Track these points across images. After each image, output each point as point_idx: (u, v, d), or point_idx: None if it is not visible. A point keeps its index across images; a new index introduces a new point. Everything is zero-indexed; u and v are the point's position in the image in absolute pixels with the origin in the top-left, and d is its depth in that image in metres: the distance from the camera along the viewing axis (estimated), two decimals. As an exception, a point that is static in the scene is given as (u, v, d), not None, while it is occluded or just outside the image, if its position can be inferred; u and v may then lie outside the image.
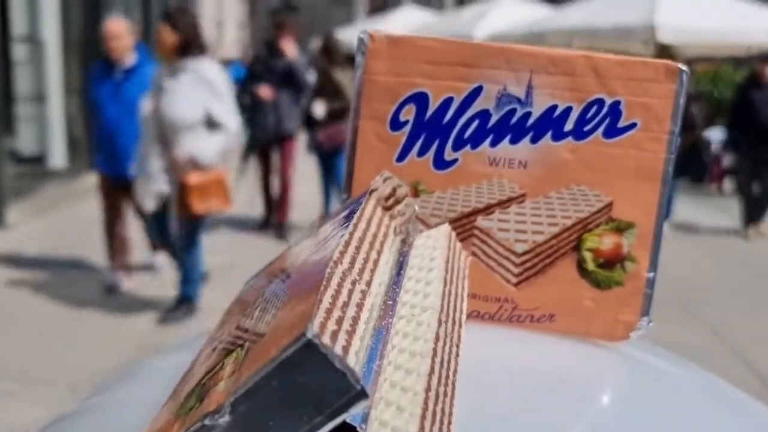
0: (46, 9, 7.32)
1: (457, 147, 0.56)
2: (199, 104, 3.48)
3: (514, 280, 0.57)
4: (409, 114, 0.56)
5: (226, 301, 0.54)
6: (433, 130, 0.56)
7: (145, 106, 3.64)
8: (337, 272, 0.33)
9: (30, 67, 7.43)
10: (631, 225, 0.56)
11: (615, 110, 0.55)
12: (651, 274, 0.57)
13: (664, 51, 8.87)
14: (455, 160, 0.56)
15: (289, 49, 5.52)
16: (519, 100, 0.55)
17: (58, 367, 3.39)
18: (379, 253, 0.41)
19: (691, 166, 7.50)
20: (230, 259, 4.69)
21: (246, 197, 6.41)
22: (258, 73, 5.70)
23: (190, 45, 3.52)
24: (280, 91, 5.53)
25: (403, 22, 18.12)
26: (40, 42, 7.37)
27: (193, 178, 3.49)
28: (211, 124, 3.56)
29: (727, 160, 8.27)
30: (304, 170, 6.40)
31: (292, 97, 5.61)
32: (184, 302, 3.94)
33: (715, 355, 3.93)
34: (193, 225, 3.73)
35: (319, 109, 5.61)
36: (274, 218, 5.91)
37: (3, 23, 7.19)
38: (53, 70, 7.45)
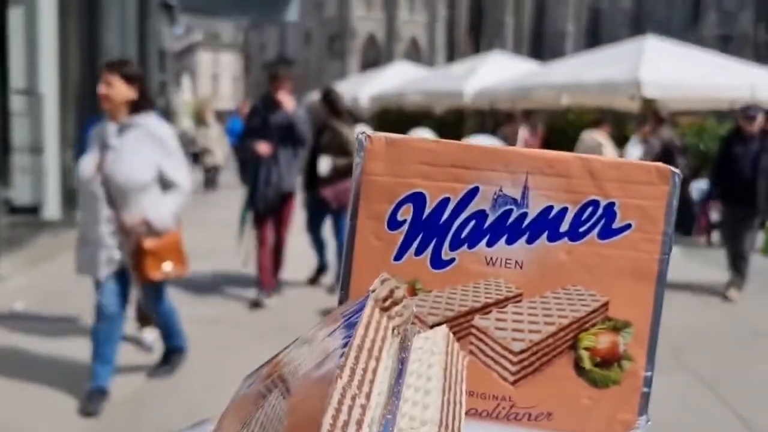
0: (45, 63, 7.48)
1: (454, 246, 0.57)
2: (152, 163, 3.24)
3: (511, 378, 0.57)
4: (406, 213, 0.57)
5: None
6: (430, 229, 0.57)
7: (86, 167, 3.27)
8: (338, 389, 0.33)
9: (27, 119, 7.55)
10: (628, 324, 0.56)
11: (610, 212, 0.56)
12: (648, 373, 0.57)
13: (650, 105, 9.10)
14: (452, 260, 0.57)
15: (288, 102, 5.29)
16: (515, 201, 0.56)
17: (47, 421, 3.35)
18: (378, 360, 0.41)
19: (679, 219, 7.61)
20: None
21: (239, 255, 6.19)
22: (255, 127, 5.40)
23: (144, 100, 3.29)
24: (279, 146, 5.30)
25: (395, 77, 18.50)
26: (38, 95, 7.51)
27: (149, 243, 3.26)
28: (163, 183, 3.32)
29: (715, 213, 8.29)
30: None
31: (291, 152, 5.38)
32: (173, 354, 3.93)
33: (705, 405, 3.94)
34: (155, 288, 3.58)
35: (325, 165, 5.48)
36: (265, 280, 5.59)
37: (3, 76, 7.34)
38: (50, 123, 7.56)
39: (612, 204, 0.55)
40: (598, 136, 7.77)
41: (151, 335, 4.37)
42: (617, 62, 10.71)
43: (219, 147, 13.51)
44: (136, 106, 3.24)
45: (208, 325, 4.93)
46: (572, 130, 10.65)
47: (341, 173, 5.47)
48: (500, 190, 0.56)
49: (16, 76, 7.54)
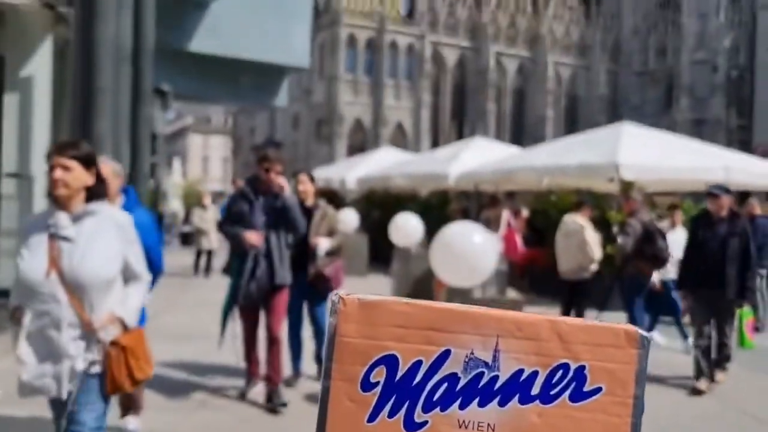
0: (37, 147, 7.64)
1: (427, 409, 0.57)
2: (117, 254, 2.85)
3: None
4: (379, 375, 0.58)
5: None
6: (403, 391, 0.57)
7: (35, 266, 2.73)
8: None
9: (17, 202, 7.63)
10: None
11: (580, 375, 0.57)
12: None
13: (628, 187, 9.36)
14: (425, 422, 0.57)
15: (281, 184, 4.73)
16: (486, 364, 0.57)
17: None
18: None
19: (663, 302, 7.66)
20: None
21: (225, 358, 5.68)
22: (242, 213, 4.76)
23: (101, 185, 2.91)
24: (271, 235, 4.73)
25: (381, 160, 18.91)
26: (29, 178, 7.62)
27: (123, 341, 2.80)
28: (125, 275, 2.95)
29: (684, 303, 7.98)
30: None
31: (284, 241, 4.82)
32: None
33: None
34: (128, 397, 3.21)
35: (324, 245, 5.32)
36: (255, 382, 5.10)
37: (-5, 160, 7.46)
38: (39, 206, 7.63)
39: (582, 367, 0.57)
40: (579, 219, 7.95)
41: (134, 423, 4.24)
42: (596, 146, 11.07)
43: (215, 230, 13.48)
44: (93, 193, 2.87)
45: (194, 411, 4.87)
46: (555, 211, 10.88)
47: (334, 253, 5.46)
48: (472, 353, 0.57)
49: (8, 160, 7.67)
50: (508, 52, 64.19)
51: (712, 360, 5.88)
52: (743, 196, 9.47)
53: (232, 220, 4.83)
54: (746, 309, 6.14)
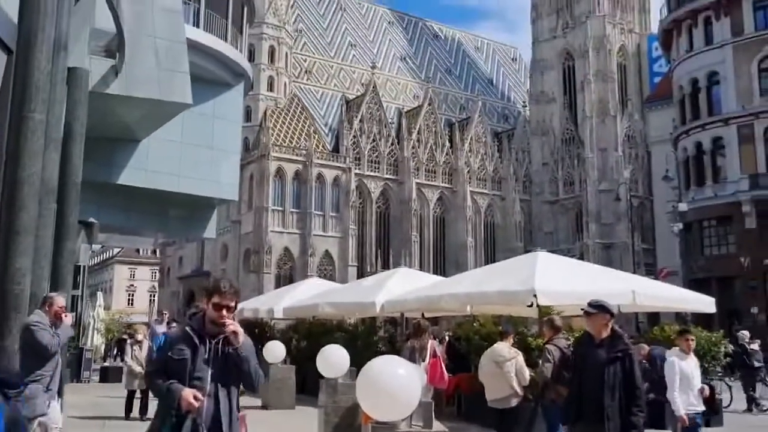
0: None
1: None
2: None
3: None
4: None
5: None
6: None
7: None
8: None
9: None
10: None
11: None
12: None
13: (545, 311, 9.82)
14: None
15: (236, 330, 3.63)
16: None
17: None
18: None
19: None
20: None
21: None
22: (182, 362, 3.59)
23: None
24: (219, 392, 3.61)
25: (308, 290, 19.01)
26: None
27: None
28: None
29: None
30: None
31: (236, 401, 3.72)
32: None
33: None
34: None
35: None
36: None
37: None
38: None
39: None
40: (503, 347, 8.26)
41: None
42: (514, 274, 11.64)
43: None
44: None
45: None
46: (478, 337, 11.20)
47: None
48: None
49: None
50: (428, 184, 67.10)
51: None
52: (653, 318, 10.03)
53: (166, 371, 3.60)
54: None
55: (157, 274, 76.06)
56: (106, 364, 22.23)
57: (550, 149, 72.58)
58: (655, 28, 51.39)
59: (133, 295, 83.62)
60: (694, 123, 33.90)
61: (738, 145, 32.02)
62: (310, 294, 18.24)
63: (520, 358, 8.20)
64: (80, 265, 11.85)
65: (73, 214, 9.60)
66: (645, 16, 75.15)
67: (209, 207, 17.03)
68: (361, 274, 55.49)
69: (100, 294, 30.09)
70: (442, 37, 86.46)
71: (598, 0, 70.16)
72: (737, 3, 32.21)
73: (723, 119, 32.52)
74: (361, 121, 64.52)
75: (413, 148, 66.47)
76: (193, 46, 13.74)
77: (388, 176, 65.09)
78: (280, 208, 57.95)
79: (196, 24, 16.32)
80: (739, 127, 31.92)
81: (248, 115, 58.21)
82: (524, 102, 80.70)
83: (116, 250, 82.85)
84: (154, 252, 79.10)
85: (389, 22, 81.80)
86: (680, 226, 32.38)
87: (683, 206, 31.56)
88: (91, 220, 12.57)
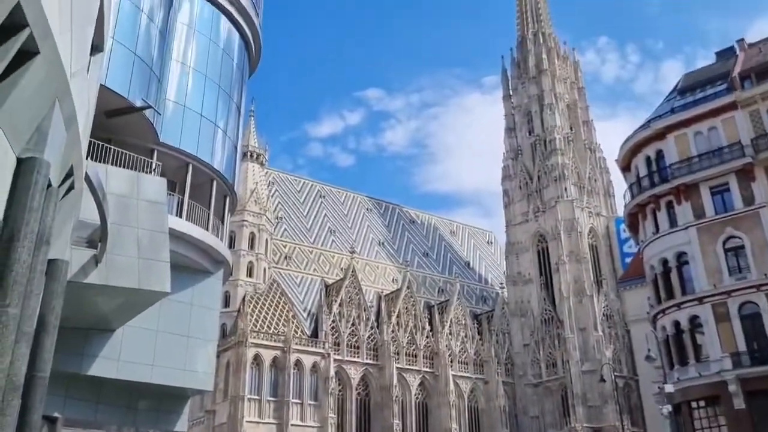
0: None
1: None
2: None
3: None
4: None
5: None
6: None
7: None
8: None
9: None
10: None
11: None
12: None
13: None
14: None
15: None
16: None
17: None
18: None
19: None
20: None
21: None
22: None
23: None
24: None
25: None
26: None
27: None
28: None
29: None
30: None
31: None
32: None
33: None
34: None
35: None
36: None
37: None
38: None
39: None
40: None
41: None
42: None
43: None
44: None
45: None
46: None
47: None
48: None
49: None
50: (409, 368, 65.65)
51: None
52: None
53: None
54: None
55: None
56: None
57: (530, 330, 72.45)
58: (621, 211, 53.95)
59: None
60: (669, 302, 34.37)
61: (715, 323, 32.23)
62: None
63: None
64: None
65: (37, 411, 9.10)
66: (610, 200, 79.26)
67: (182, 398, 16.31)
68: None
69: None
70: (419, 222, 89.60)
71: (565, 186, 74.23)
72: (695, 189, 34.18)
73: (697, 298, 33.02)
74: (340, 305, 64.51)
75: (393, 331, 65.93)
76: (175, 235, 14.02)
77: (368, 361, 63.76)
78: (257, 397, 55.76)
79: (179, 214, 16.78)
80: (713, 305, 32.34)
81: (227, 300, 58.07)
82: (501, 283, 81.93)
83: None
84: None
85: (368, 209, 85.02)
86: (669, 408, 31.47)
87: (669, 387, 30.92)
88: (56, 415, 11.91)
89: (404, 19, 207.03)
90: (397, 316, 67.51)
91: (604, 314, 69.40)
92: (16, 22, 5.11)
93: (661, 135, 35.70)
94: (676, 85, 39.43)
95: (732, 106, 33.64)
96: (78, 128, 7.62)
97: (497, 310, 76.34)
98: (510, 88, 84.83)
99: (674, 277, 34.50)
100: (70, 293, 9.91)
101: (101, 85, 11.90)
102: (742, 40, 39.79)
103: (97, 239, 11.37)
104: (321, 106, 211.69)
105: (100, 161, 14.67)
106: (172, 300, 13.74)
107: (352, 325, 64.68)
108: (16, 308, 6.33)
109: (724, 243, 32.95)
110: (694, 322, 33.45)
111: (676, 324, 34.02)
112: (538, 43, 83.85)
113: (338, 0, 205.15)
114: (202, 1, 20.96)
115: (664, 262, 35.04)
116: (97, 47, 8.60)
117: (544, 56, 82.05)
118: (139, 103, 16.25)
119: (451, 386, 66.00)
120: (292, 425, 55.94)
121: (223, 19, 21.78)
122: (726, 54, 39.61)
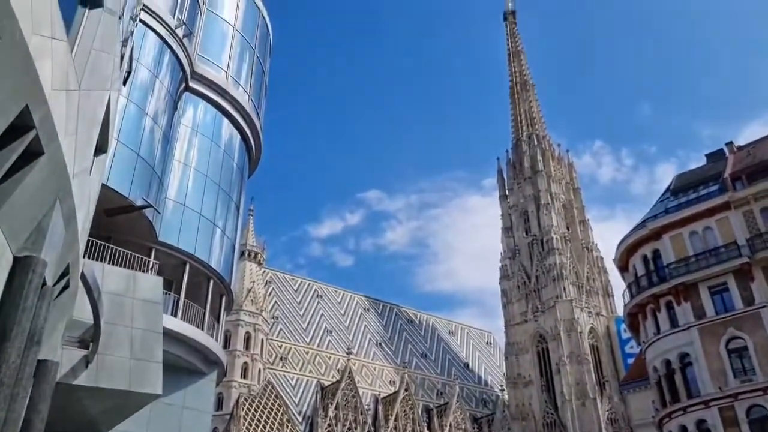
0: None
1: None
2: None
3: None
4: None
5: None
6: None
7: None
8: None
9: None
10: None
11: None
12: None
13: None
14: None
15: None
16: None
17: None
18: None
19: None
20: None
21: None
22: None
23: None
24: None
25: None
26: None
27: None
28: None
29: None
30: None
31: None
32: None
33: None
34: None
35: None
36: None
37: None
38: None
39: None
40: None
41: None
42: None
43: None
44: None
45: None
46: None
47: None
48: None
49: None
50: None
51: None
52: None
53: None
54: None
55: None
56: None
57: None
58: (620, 310, 53.34)
59: None
60: (675, 406, 33.37)
61: (723, 428, 31.19)
62: None
63: None
64: None
65: None
66: (609, 300, 78.66)
67: None
68: None
69: None
70: (417, 322, 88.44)
71: (563, 285, 73.86)
72: (694, 288, 33.97)
73: (703, 401, 32.09)
74: (336, 408, 62.53)
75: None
76: (169, 335, 13.76)
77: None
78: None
79: (174, 313, 16.55)
80: (720, 409, 31.40)
81: (219, 403, 56.27)
82: (501, 385, 79.87)
83: None
84: None
85: (365, 309, 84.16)
86: None
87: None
88: None
89: (407, 124, 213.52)
90: (395, 420, 65.28)
91: (608, 418, 67.22)
92: (23, 123, 5.22)
93: (657, 235, 35.92)
94: (669, 186, 40.10)
95: (725, 207, 34.05)
96: (77, 227, 7.64)
97: (498, 414, 73.97)
98: (506, 188, 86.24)
99: (678, 378, 33.68)
100: (57, 395, 9.60)
101: (102, 184, 12.06)
102: (731, 143, 40.85)
103: (89, 339, 11.14)
104: (322, 207, 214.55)
105: (97, 259, 14.63)
106: (163, 402, 13.31)
107: (349, 429, 62.42)
108: (1, 411, 6.10)
109: (726, 344, 32.41)
110: (701, 427, 32.35)
111: (683, 429, 32.89)
112: (533, 144, 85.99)
113: (340, 106, 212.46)
114: (205, 105, 21.63)
115: (668, 363, 34.33)
116: (101, 148, 8.78)
117: (539, 157, 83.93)
118: (139, 203, 16.41)
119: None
120: None
121: (226, 121, 22.41)
122: (716, 156, 40.57)
